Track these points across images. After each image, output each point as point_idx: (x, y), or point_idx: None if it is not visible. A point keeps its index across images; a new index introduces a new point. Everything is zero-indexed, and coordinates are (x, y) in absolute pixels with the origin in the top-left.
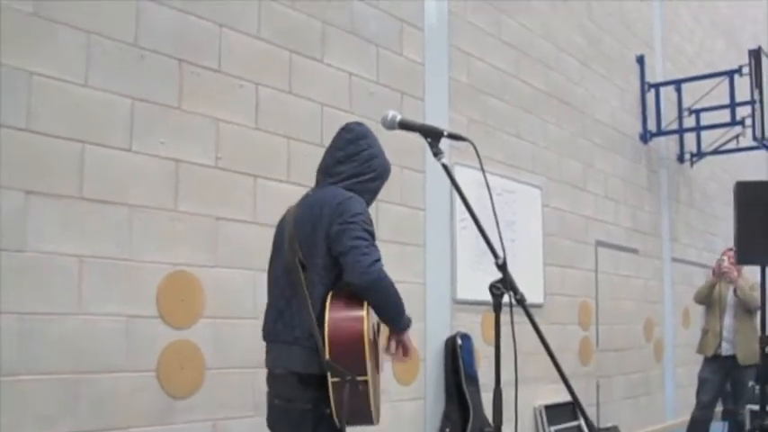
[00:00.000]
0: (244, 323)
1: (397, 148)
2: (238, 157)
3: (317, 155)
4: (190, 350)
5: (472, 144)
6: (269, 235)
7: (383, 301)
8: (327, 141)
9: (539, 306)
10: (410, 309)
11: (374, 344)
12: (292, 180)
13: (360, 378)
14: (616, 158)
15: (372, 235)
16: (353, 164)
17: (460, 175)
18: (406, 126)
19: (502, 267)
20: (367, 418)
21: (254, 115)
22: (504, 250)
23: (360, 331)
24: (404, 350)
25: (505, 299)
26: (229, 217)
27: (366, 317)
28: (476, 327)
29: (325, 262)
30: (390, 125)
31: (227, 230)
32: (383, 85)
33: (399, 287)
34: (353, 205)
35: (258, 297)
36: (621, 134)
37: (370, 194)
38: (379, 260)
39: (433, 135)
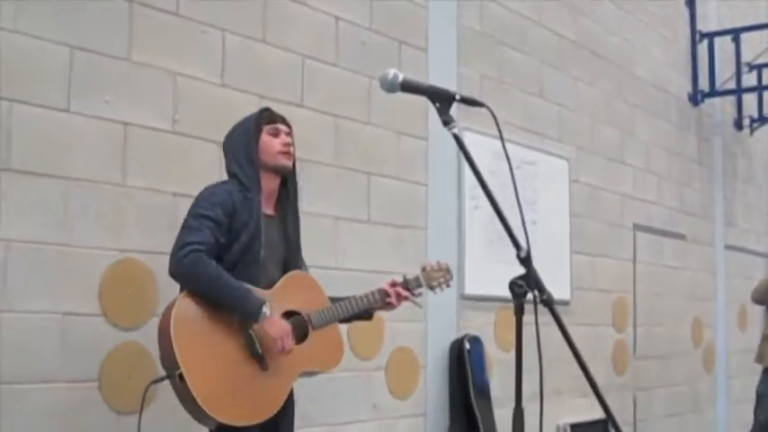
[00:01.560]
0: None
1: (392, 108)
2: (200, 120)
3: (297, 118)
4: (140, 356)
5: (490, 110)
6: None
7: (201, 290)
8: (309, 101)
9: (564, 303)
10: (407, 306)
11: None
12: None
13: (178, 372)
14: (659, 124)
15: (204, 216)
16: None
17: (471, 142)
18: (409, 88)
19: (525, 261)
20: (203, 414)
21: (219, 69)
22: (527, 239)
23: (165, 321)
24: (277, 345)
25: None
26: (189, 193)
27: (176, 305)
28: (488, 328)
29: None
30: (391, 87)
31: (188, 208)
32: (377, 33)
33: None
34: (198, 196)
35: None
36: (667, 94)
37: (248, 179)
38: (189, 244)
39: (442, 99)
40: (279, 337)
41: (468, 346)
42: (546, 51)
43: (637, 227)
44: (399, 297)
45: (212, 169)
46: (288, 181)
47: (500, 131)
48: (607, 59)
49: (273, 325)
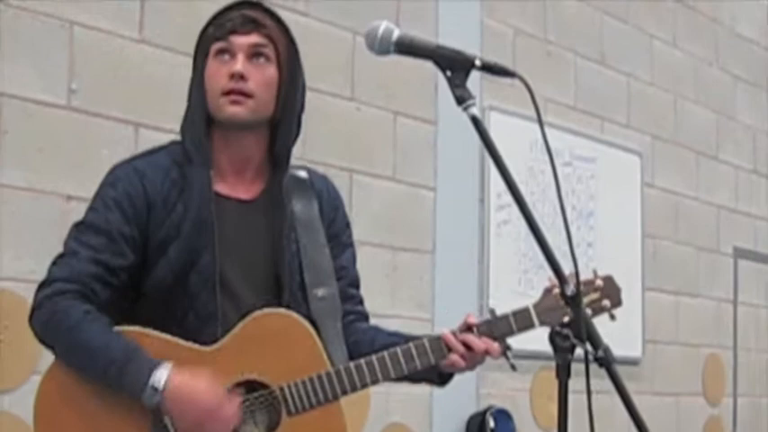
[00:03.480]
0: None
1: (385, 78)
2: (108, 91)
3: None
4: (14, 430)
5: (525, 82)
6: None
7: (62, 359)
8: None
9: (634, 363)
10: None
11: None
12: None
13: None
14: None
15: (88, 227)
16: None
17: (500, 128)
18: (409, 49)
19: (574, 301)
20: None
21: (136, 18)
22: (576, 269)
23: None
24: None
25: (578, 352)
26: (91, 195)
27: (46, 374)
28: (521, 397)
29: None
30: (382, 47)
31: None
32: None
33: (390, 323)
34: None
35: None
36: None
37: (191, 141)
38: (49, 284)
39: (456, 66)
40: (199, 423)
41: (492, 423)
42: None
43: (739, 252)
44: (474, 353)
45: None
46: (278, 139)
47: (538, 113)
48: (698, 10)
49: (187, 402)
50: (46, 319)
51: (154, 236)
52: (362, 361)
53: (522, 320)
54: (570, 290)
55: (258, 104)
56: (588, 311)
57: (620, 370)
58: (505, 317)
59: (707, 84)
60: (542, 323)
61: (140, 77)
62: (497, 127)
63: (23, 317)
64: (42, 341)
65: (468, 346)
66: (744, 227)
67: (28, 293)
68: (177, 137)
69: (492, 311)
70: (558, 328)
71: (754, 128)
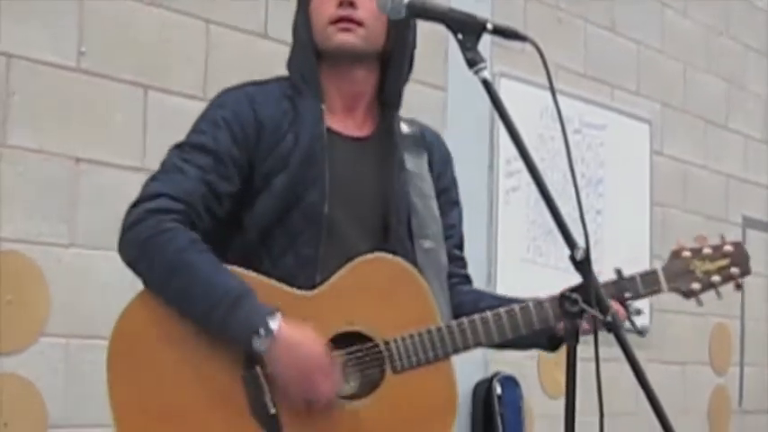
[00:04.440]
0: None
1: None
2: (118, 54)
3: (257, 54)
4: (22, 392)
5: (536, 46)
6: None
7: (156, 286)
8: (274, 29)
9: (641, 332)
10: None
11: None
12: (210, 95)
13: None
14: None
15: (194, 146)
16: None
17: (511, 95)
18: (420, 11)
19: (583, 266)
20: None
21: None
22: (586, 235)
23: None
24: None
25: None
26: (99, 158)
27: (123, 314)
28: (528, 364)
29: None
30: (394, 9)
31: (96, 181)
32: None
33: None
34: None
35: None
36: None
37: (300, 74)
38: (149, 198)
39: (468, 29)
40: (305, 376)
41: (499, 389)
42: None
43: (748, 221)
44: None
45: (133, 122)
46: (389, 75)
47: (550, 79)
48: None
49: (295, 353)
50: (149, 235)
51: (260, 165)
52: (477, 317)
53: (649, 283)
54: (579, 255)
55: (369, 33)
56: (717, 278)
57: (629, 339)
58: (632, 278)
59: (717, 53)
60: (671, 288)
61: (150, 40)
62: (507, 94)
63: (32, 278)
64: (134, 262)
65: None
66: (753, 196)
67: (36, 255)
68: (186, 100)
69: (618, 272)
70: (568, 293)
71: (765, 97)
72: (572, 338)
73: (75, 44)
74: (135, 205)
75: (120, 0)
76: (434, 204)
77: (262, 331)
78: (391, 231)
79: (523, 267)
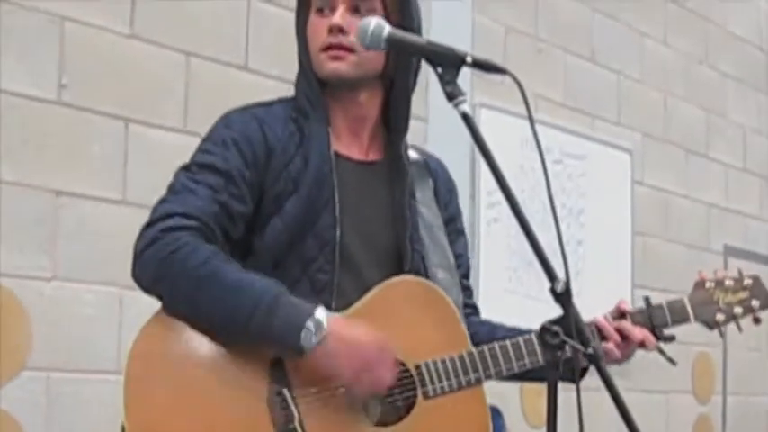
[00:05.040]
0: (103, 381)
1: None
2: (99, 87)
3: (240, 84)
4: (3, 426)
5: (516, 80)
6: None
7: (183, 306)
8: (255, 60)
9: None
10: None
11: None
12: (191, 127)
13: None
14: (763, 102)
15: (204, 166)
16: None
17: (492, 125)
18: (400, 44)
19: (563, 298)
20: None
21: (128, 12)
22: (566, 266)
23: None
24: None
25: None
26: (80, 191)
27: (139, 336)
28: (511, 395)
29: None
30: (373, 41)
31: (76, 214)
32: None
33: None
34: (209, 129)
35: (126, 333)
36: None
37: (305, 95)
38: (165, 218)
39: (447, 62)
40: (369, 368)
41: None
42: None
43: (729, 250)
44: (629, 342)
45: (115, 156)
46: (392, 97)
47: (529, 110)
48: (687, 8)
49: (354, 345)
50: (168, 253)
51: (271, 187)
52: (508, 342)
53: (677, 313)
54: (560, 287)
55: (360, 59)
56: (739, 310)
57: (610, 367)
58: (660, 307)
59: (697, 81)
60: (697, 317)
61: (131, 73)
62: (488, 124)
63: (13, 312)
64: (155, 283)
65: (623, 335)
66: (734, 225)
67: (17, 288)
68: (167, 133)
69: (647, 300)
70: (548, 326)
71: (745, 126)
72: (553, 371)
73: (55, 77)
74: (147, 227)
75: (101, 33)
76: (443, 234)
77: (310, 325)
78: (406, 259)
79: (505, 298)
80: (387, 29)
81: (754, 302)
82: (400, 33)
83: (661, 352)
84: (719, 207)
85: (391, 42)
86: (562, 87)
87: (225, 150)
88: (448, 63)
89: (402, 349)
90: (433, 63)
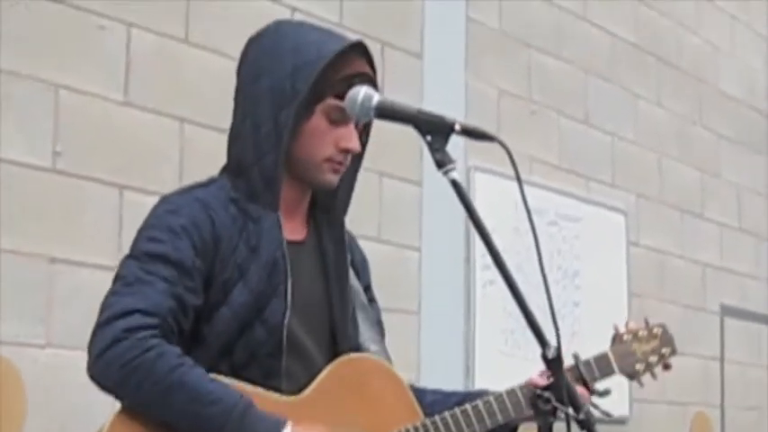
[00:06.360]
0: None
1: (373, 142)
2: (93, 154)
3: None
4: None
5: (505, 147)
6: None
7: (148, 410)
8: None
9: (620, 422)
10: None
11: None
12: None
13: None
14: (757, 161)
15: (156, 256)
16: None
17: (483, 188)
18: (388, 114)
19: (554, 364)
20: None
21: (122, 79)
22: (557, 332)
23: None
24: None
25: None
26: (75, 258)
27: None
28: None
29: None
30: (362, 111)
31: (72, 280)
32: (350, 30)
33: None
34: (147, 216)
35: None
36: (766, 119)
37: (262, 180)
38: (124, 315)
39: (435, 130)
40: None
41: None
42: (594, 57)
43: (726, 310)
44: None
45: (109, 222)
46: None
47: (517, 173)
48: (681, 69)
49: None
50: (132, 356)
51: (219, 275)
52: (457, 410)
53: (603, 367)
54: (551, 353)
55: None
56: (654, 358)
57: (608, 429)
58: (588, 363)
59: (691, 142)
60: (620, 370)
61: (125, 140)
62: (483, 187)
63: (8, 379)
64: (117, 386)
65: None
66: (730, 284)
67: (13, 356)
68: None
69: (576, 357)
70: (539, 392)
71: (739, 185)
72: None
73: (50, 144)
74: (105, 324)
75: (95, 100)
76: (367, 304)
77: None
78: (341, 337)
79: (501, 360)
80: (376, 98)
81: (665, 350)
82: (389, 102)
83: (595, 407)
84: (715, 267)
85: (380, 111)
86: (557, 149)
87: (176, 239)
88: (437, 131)
89: (366, 426)
90: (423, 131)
